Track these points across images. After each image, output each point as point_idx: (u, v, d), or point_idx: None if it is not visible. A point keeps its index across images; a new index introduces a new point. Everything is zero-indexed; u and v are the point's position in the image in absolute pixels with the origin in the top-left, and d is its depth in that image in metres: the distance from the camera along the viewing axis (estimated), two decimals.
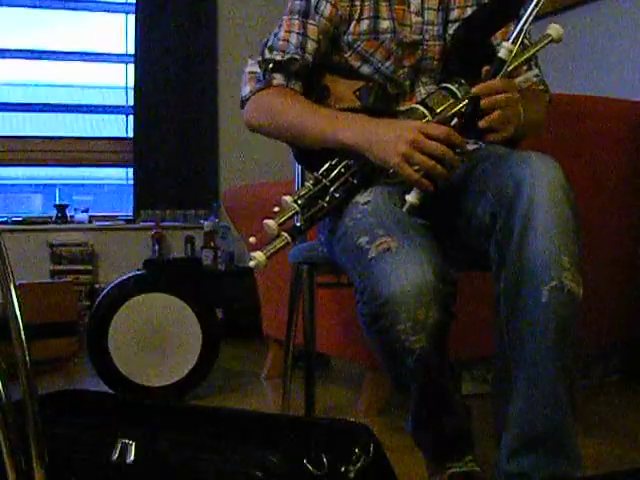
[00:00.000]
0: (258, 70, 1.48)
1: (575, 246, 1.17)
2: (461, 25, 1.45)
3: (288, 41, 1.47)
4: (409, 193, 1.27)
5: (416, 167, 1.24)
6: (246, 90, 1.50)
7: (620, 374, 2.60)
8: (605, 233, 2.33)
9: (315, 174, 1.30)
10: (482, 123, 1.25)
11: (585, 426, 1.98)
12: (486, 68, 1.28)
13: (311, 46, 1.47)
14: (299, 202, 1.26)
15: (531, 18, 1.28)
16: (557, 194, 1.17)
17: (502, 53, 1.27)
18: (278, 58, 1.46)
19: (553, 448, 1.18)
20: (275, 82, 1.46)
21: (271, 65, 1.46)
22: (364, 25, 1.46)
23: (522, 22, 1.28)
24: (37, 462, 1.07)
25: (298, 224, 1.26)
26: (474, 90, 1.26)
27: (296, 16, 1.48)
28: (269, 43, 1.50)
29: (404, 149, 1.24)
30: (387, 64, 1.46)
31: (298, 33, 1.46)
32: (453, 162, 1.24)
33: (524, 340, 1.18)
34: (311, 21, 1.47)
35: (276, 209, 1.24)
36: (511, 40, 1.27)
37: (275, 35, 1.50)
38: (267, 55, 1.48)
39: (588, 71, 3.10)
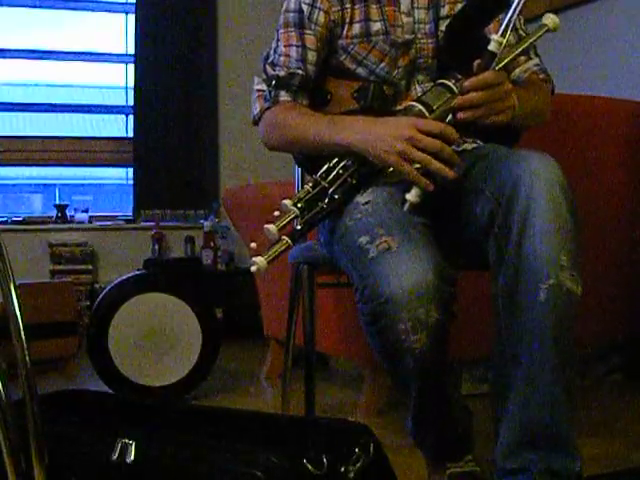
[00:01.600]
0: (265, 88, 1.50)
1: (573, 245, 1.17)
2: (453, 20, 1.45)
3: (289, 55, 1.48)
4: (409, 192, 1.27)
5: (416, 165, 1.24)
6: (256, 110, 1.52)
7: (620, 374, 2.60)
8: (605, 232, 2.33)
9: (314, 176, 1.30)
10: (459, 115, 1.25)
11: (585, 426, 1.98)
12: (477, 62, 1.27)
13: (312, 56, 1.47)
14: (299, 205, 1.26)
15: (519, 9, 1.27)
16: (555, 192, 1.17)
17: (492, 46, 1.27)
18: (281, 74, 1.48)
19: (550, 444, 1.18)
20: (281, 99, 1.48)
21: (274, 82, 1.48)
22: (356, 29, 1.46)
23: (510, 14, 1.27)
24: (37, 462, 1.07)
25: (298, 227, 1.26)
26: (464, 85, 1.26)
27: (292, 29, 1.48)
28: (270, 59, 1.51)
29: (401, 146, 1.24)
30: (382, 65, 1.46)
31: (297, 46, 1.47)
32: (450, 157, 1.24)
33: (522, 338, 1.18)
34: (307, 31, 1.47)
35: (276, 213, 1.25)
36: (500, 32, 1.27)
37: (275, 51, 1.51)
38: (270, 72, 1.50)
39: (588, 71, 3.10)
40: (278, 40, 1.50)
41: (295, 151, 1.54)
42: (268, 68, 1.50)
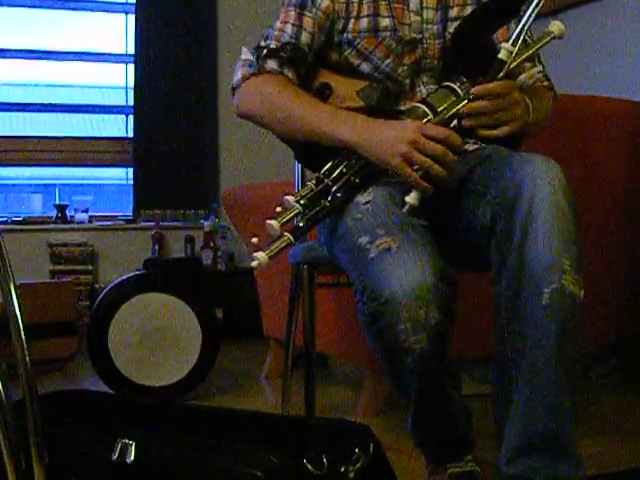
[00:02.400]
0: (251, 58, 1.47)
1: (576, 248, 1.16)
2: (461, 23, 1.45)
3: (283, 31, 1.47)
4: (409, 195, 1.27)
5: (415, 167, 1.24)
6: (237, 76, 1.48)
7: (620, 374, 2.60)
8: (605, 233, 2.32)
9: (317, 174, 1.30)
10: (465, 122, 1.25)
11: (585, 426, 1.98)
12: (487, 70, 1.28)
13: (305, 37, 1.46)
14: (301, 202, 1.25)
15: (532, 18, 1.28)
16: (558, 196, 1.17)
17: (502, 54, 1.27)
18: (272, 46, 1.46)
19: (553, 451, 1.17)
20: (268, 67, 1.45)
21: (265, 52, 1.46)
22: (364, 23, 1.46)
23: (523, 22, 1.28)
24: (37, 462, 1.07)
25: (300, 224, 1.25)
26: (472, 91, 1.26)
27: (292, 8, 1.48)
28: (264, 33, 1.50)
29: (404, 149, 1.24)
30: (387, 62, 1.46)
31: (293, 24, 1.47)
32: (452, 163, 1.24)
33: (525, 342, 1.17)
34: (307, 13, 1.47)
35: (278, 209, 1.24)
36: (511, 41, 1.27)
37: (271, 26, 1.50)
38: (262, 43, 1.48)
39: (588, 71, 3.10)
40: (277, 17, 1.50)
41: (274, 127, 1.46)
42: (260, 40, 1.49)
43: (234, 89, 1.49)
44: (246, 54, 1.49)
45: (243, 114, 1.49)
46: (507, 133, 1.28)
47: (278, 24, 1.48)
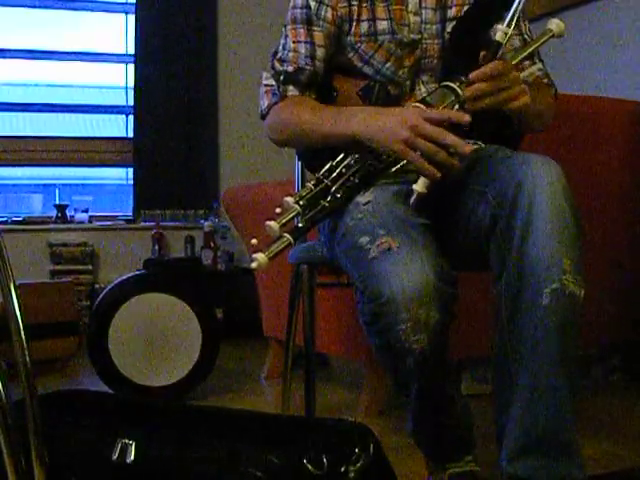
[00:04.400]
0: (273, 83, 1.50)
1: (576, 248, 1.16)
2: (457, 22, 1.45)
3: (297, 51, 1.48)
4: (415, 183, 1.25)
5: (420, 154, 1.23)
6: (264, 105, 1.51)
7: (620, 374, 2.60)
8: (605, 233, 2.33)
9: (316, 174, 1.30)
10: (468, 106, 1.24)
11: (585, 426, 1.98)
12: (483, 53, 1.27)
13: (320, 53, 1.48)
14: (301, 203, 1.25)
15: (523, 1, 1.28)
16: (558, 196, 1.17)
17: (498, 36, 1.27)
18: (290, 69, 1.47)
19: (554, 450, 1.17)
20: (289, 94, 1.47)
21: (283, 77, 1.48)
22: (363, 27, 1.46)
23: (516, 4, 1.28)
24: (37, 462, 1.07)
25: (300, 225, 1.25)
26: (470, 76, 1.25)
27: (300, 25, 1.48)
28: (278, 55, 1.51)
29: (406, 135, 1.23)
30: (387, 65, 1.46)
31: (306, 42, 1.47)
32: (457, 147, 1.22)
33: (525, 342, 1.17)
34: (315, 28, 1.47)
35: (278, 210, 1.24)
36: (506, 23, 1.27)
37: (283, 47, 1.50)
38: (278, 67, 1.49)
39: (588, 71, 3.10)
40: (286, 36, 1.50)
41: (302, 146, 1.53)
42: (276, 64, 1.50)
43: (263, 117, 1.52)
44: (268, 79, 1.51)
45: (276, 143, 1.53)
46: (516, 108, 1.26)
47: (291, 44, 1.49)
